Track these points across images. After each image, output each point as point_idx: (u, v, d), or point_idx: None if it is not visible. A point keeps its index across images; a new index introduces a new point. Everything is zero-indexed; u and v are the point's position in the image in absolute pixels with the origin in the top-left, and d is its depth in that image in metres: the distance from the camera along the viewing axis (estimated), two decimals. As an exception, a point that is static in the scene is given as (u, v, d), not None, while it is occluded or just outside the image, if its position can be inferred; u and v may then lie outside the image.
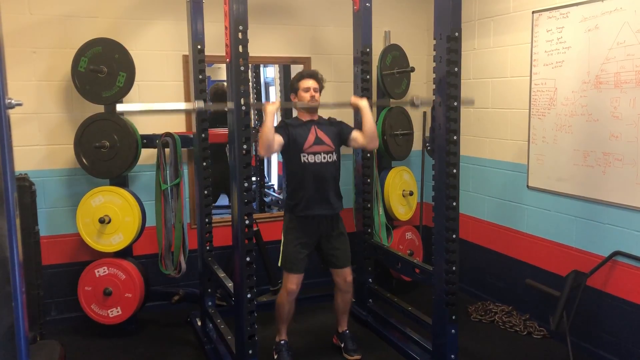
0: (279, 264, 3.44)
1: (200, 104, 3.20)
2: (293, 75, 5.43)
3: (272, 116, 3.18)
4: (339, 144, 3.44)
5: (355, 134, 3.42)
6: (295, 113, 3.56)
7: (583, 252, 3.52)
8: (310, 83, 3.35)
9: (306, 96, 3.34)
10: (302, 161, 3.31)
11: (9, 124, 1.31)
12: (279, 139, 3.23)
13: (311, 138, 3.33)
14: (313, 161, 3.32)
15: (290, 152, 3.32)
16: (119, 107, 3.03)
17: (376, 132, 3.39)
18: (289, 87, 3.47)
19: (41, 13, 3.80)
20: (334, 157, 3.39)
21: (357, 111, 3.58)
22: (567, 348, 3.32)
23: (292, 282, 3.35)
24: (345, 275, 3.49)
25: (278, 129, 3.27)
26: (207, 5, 3.63)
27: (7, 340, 1.25)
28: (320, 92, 3.41)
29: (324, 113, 3.58)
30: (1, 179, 1.26)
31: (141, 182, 4.12)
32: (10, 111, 1.35)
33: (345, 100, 3.56)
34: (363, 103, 3.40)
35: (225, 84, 5.18)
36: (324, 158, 3.34)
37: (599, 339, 3.44)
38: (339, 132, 3.43)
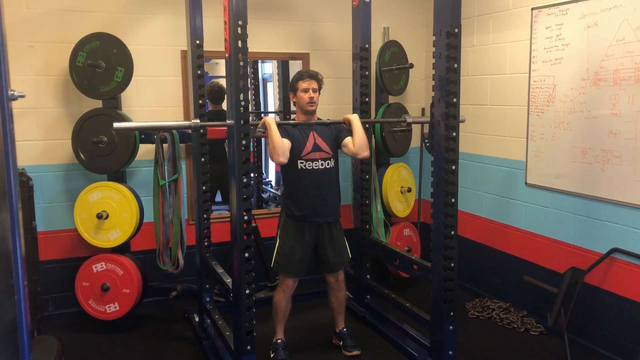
0: (272, 265, 3.45)
1: (196, 121, 3.20)
2: (291, 71, 5.48)
3: (275, 124, 3.16)
4: (337, 148, 3.42)
5: (348, 141, 3.36)
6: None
7: (581, 249, 3.53)
8: (309, 84, 3.32)
9: (305, 97, 3.32)
10: (299, 167, 3.30)
11: (11, 116, 1.30)
12: (287, 143, 3.20)
13: (309, 145, 3.31)
14: (311, 168, 3.31)
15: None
16: (116, 125, 3.04)
17: (366, 143, 3.33)
18: (289, 86, 3.44)
19: (39, 7, 3.78)
20: (332, 163, 3.38)
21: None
22: (564, 345, 3.34)
23: (289, 280, 3.38)
24: (336, 274, 3.51)
25: (280, 133, 3.21)
26: (206, 0, 3.62)
27: (9, 333, 1.25)
28: (319, 91, 3.40)
29: (321, 114, 3.56)
30: (4, 172, 1.25)
31: (139, 177, 4.11)
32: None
33: (340, 117, 3.55)
34: (353, 117, 3.39)
35: (220, 81, 5.17)
36: (322, 165, 3.33)
37: (596, 335, 3.45)
38: (336, 137, 3.41)
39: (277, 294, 3.43)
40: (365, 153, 3.35)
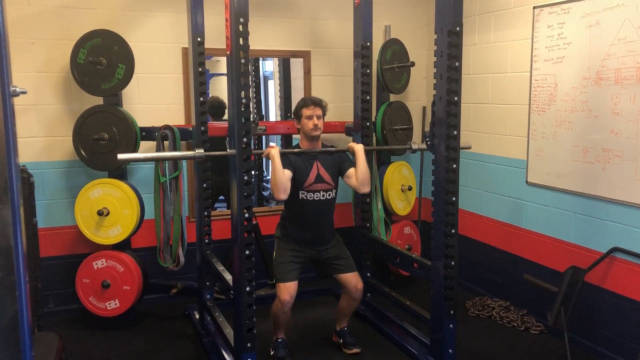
0: (274, 280, 3.46)
1: (200, 151, 3.07)
2: (292, 69, 5.47)
3: (279, 158, 3.16)
4: (338, 177, 3.44)
5: (351, 173, 3.38)
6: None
7: (581, 248, 3.53)
8: (313, 111, 3.32)
9: (309, 124, 3.32)
10: (300, 197, 3.31)
11: (13, 112, 1.30)
12: (289, 174, 3.20)
13: (312, 176, 3.32)
14: (312, 199, 3.33)
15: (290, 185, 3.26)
16: (120, 156, 2.94)
17: (368, 179, 3.37)
18: (293, 113, 3.44)
19: (40, 3, 3.78)
20: (333, 194, 3.40)
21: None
22: (564, 343, 3.34)
23: (285, 291, 3.26)
24: (356, 282, 3.44)
25: (283, 163, 3.20)
26: (207, -2, 3.62)
27: (11, 329, 1.25)
28: (323, 117, 3.38)
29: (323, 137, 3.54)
30: (5, 169, 1.25)
31: (140, 174, 4.11)
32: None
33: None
34: (357, 148, 3.41)
35: (221, 94, 5.17)
36: (323, 196, 3.35)
37: (596, 334, 3.45)
38: (339, 167, 3.41)
39: (275, 306, 3.36)
40: (366, 189, 3.40)
